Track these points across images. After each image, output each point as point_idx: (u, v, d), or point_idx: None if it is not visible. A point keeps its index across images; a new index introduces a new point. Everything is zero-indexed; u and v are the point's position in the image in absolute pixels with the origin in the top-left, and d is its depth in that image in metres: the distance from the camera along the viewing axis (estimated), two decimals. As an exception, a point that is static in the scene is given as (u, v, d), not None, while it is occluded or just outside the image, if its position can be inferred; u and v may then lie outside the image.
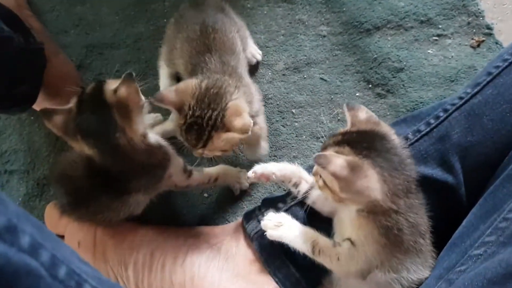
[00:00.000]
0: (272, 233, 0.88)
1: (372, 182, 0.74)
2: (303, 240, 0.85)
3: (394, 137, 0.82)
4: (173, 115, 0.99)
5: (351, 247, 0.79)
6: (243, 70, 1.04)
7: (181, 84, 0.92)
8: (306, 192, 0.92)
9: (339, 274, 0.84)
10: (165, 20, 1.29)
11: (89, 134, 0.81)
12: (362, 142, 0.77)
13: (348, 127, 0.83)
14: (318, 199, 0.92)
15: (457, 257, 0.76)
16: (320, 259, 0.83)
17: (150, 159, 0.86)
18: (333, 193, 0.77)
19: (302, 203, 0.95)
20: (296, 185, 0.94)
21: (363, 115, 0.83)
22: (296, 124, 1.20)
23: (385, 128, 0.83)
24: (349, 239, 0.80)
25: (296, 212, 0.96)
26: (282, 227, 0.88)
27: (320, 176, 0.80)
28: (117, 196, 0.88)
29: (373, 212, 0.76)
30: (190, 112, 0.87)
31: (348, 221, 0.82)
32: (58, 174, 0.93)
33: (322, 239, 0.84)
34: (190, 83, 0.90)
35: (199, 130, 0.87)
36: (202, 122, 0.87)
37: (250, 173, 0.93)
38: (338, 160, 0.73)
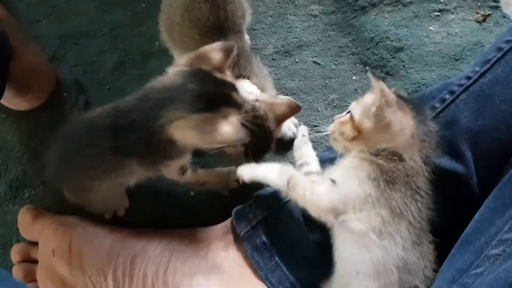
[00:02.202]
0: (244, 171, 0.84)
1: (406, 120, 0.76)
2: (279, 172, 0.82)
3: None
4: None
5: (331, 185, 0.77)
6: None
7: None
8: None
9: (311, 210, 0.79)
10: (143, 5, 1.22)
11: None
12: (405, 99, 0.80)
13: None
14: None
15: (472, 257, 0.70)
16: (294, 193, 0.80)
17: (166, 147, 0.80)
18: (354, 129, 0.78)
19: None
20: None
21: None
22: (289, 112, 1.13)
23: None
24: (330, 179, 0.78)
25: (291, 209, 0.91)
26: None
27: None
28: (116, 153, 0.82)
29: (376, 154, 0.77)
30: None
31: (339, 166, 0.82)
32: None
33: (299, 175, 0.83)
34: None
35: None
36: None
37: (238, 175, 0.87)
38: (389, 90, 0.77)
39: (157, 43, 1.17)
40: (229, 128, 0.74)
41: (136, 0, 1.24)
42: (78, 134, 0.86)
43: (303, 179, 0.81)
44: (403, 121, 0.76)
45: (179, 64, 0.81)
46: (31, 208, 1.01)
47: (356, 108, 0.80)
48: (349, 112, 0.82)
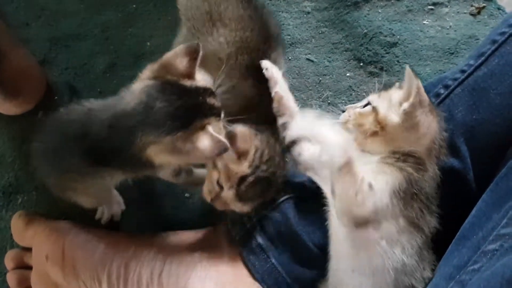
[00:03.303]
0: (294, 126, 0.83)
1: (433, 124, 0.75)
2: (340, 145, 0.73)
3: None
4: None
5: (369, 189, 0.68)
6: None
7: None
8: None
9: (347, 210, 0.70)
10: (134, 6, 1.21)
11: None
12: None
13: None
14: (312, 159, 0.80)
15: (469, 253, 0.69)
16: (340, 181, 0.69)
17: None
18: (377, 123, 0.75)
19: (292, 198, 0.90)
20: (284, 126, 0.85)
21: None
22: (283, 110, 1.12)
23: None
24: (368, 183, 0.69)
25: (285, 210, 0.90)
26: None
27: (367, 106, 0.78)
28: (93, 164, 0.77)
29: (404, 160, 0.74)
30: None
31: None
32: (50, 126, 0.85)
33: (357, 165, 0.70)
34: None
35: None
36: None
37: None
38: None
39: (148, 44, 1.16)
40: (207, 142, 0.68)
41: (126, 1, 1.22)
42: (54, 136, 0.82)
43: (360, 173, 0.69)
44: (430, 125, 0.75)
45: (143, 78, 0.75)
46: (24, 214, 0.99)
47: (380, 101, 0.77)
48: (367, 104, 0.78)
